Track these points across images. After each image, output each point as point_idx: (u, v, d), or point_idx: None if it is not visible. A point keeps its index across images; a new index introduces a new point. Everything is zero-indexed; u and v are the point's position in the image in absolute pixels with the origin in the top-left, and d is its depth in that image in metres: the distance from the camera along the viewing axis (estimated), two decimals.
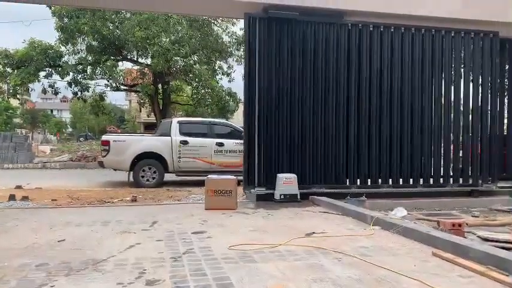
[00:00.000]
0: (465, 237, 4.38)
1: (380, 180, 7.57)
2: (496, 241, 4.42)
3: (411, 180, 7.72)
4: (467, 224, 5.04)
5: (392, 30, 7.61)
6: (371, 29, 7.51)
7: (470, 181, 7.96)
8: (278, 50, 7.18)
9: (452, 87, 7.88)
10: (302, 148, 7.26)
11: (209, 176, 6.46)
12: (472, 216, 6.43)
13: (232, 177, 6.45)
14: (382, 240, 4.30)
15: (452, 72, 7.87)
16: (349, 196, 6.81)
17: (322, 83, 7.35)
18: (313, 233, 4.56)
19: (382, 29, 7.56)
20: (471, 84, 7.98)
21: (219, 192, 6.11)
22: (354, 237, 4.42)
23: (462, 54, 7.93)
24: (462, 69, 7.96)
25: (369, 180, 7.54)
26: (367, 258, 3.56)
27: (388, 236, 4.49)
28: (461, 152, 8.01)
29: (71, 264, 3.34)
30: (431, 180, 7.82)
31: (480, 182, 7.99)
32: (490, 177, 8.03)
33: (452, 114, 7.90)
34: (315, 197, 6.87)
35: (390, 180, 7.63)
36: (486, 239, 4.58)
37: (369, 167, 7.51)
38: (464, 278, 3.11)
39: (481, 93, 8.03)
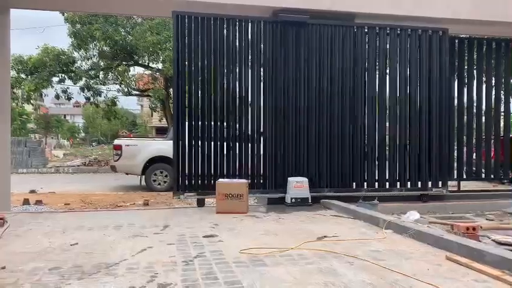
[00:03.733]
0: (480, 241, 4.31)
1: (320, 184, 7.20)
2: None
3: (354, 184, 7.34)
4: (481, 228, 4.98)
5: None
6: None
7: (419, 185, 7.55)
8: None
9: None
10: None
11: (220, 179, 6.47)
12: (487, 219, 6.35)
13: (244, 180, 6.44)
14: (394, 244, 4.25)
15: (406, 71, 7.50)
16: (360, 200, 6.76)
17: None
18: (325, 236, 4.54)
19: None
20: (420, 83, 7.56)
21: (230, 195, 6.12)
22: (366, 241, 4.38)
23: (409, 53, 7.49)
24: (407, 67, 7.49)
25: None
26: (380, 262, 3.53)
27: (401, 239, 4.44)
28: (408, 154, 7.52)
29: (84, 268, 3.37)
30: (376, 185, 7.42)
31: (429, 186, 7.57)
32: (440, 180, 7.58)
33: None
34: (326, 200, 6.83)
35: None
36: (501, 243, 4.51)
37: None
38: (479, 283, 3.06)
39: (429, 91, 7.54)
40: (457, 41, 8.19)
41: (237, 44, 7.01)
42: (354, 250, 3.93)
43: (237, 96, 7.00)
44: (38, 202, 8.75)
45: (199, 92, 6.88)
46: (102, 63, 19.25)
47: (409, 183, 7.55)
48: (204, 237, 4.54)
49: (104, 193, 10.79)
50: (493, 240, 4.65)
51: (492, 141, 8.29)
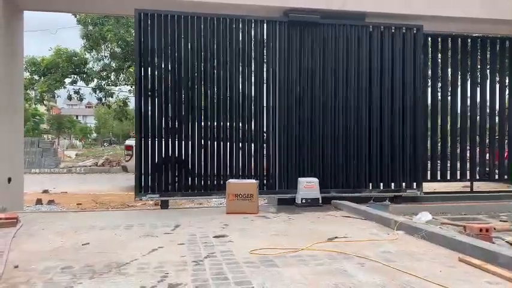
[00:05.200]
0: (493, 243, 4.26)
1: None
2: None
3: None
4: (495, 229, 4.91)
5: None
6: None
7: (393, 186, 7.32)
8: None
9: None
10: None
11: (230, 179, 6.48)
12: (500, 220, 6.27)
13: (254, 181, 6.44)
14: (406, 245, 4.21)
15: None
16: (372, 200, 6.72)
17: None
18: (336, 237, 4.51)
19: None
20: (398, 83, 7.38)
21: (240, 196, 6.12)
22: (378, 241, 4.35)
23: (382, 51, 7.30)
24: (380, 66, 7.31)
25: None
26: (391, 264, 3.50)
27: (413, 240, 4.40)
28: (379, 153, 7.26)
29: (95, 268, 3.39)
30: (345, 185, 7.18)
31: (403, 187, 7.33)
32: (415, 181, 7.34)
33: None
34: (337, 201, 6.79)
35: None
36: None
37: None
38: (492, 285, 3.02)
39: (404, 92, 7.34)
40: (469, 40, 8.10)
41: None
42: (364, 251, 3.90)
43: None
44: (51, 202, 8.85)
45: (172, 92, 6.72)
46: (113, 64, 19.39)
47: (381, 184, 7.32)
48: (214, 237, 4.54)
49: (115, 193, 10.87)
50: (507, 242, 4.59)
51: (505, 142, 8.18)
